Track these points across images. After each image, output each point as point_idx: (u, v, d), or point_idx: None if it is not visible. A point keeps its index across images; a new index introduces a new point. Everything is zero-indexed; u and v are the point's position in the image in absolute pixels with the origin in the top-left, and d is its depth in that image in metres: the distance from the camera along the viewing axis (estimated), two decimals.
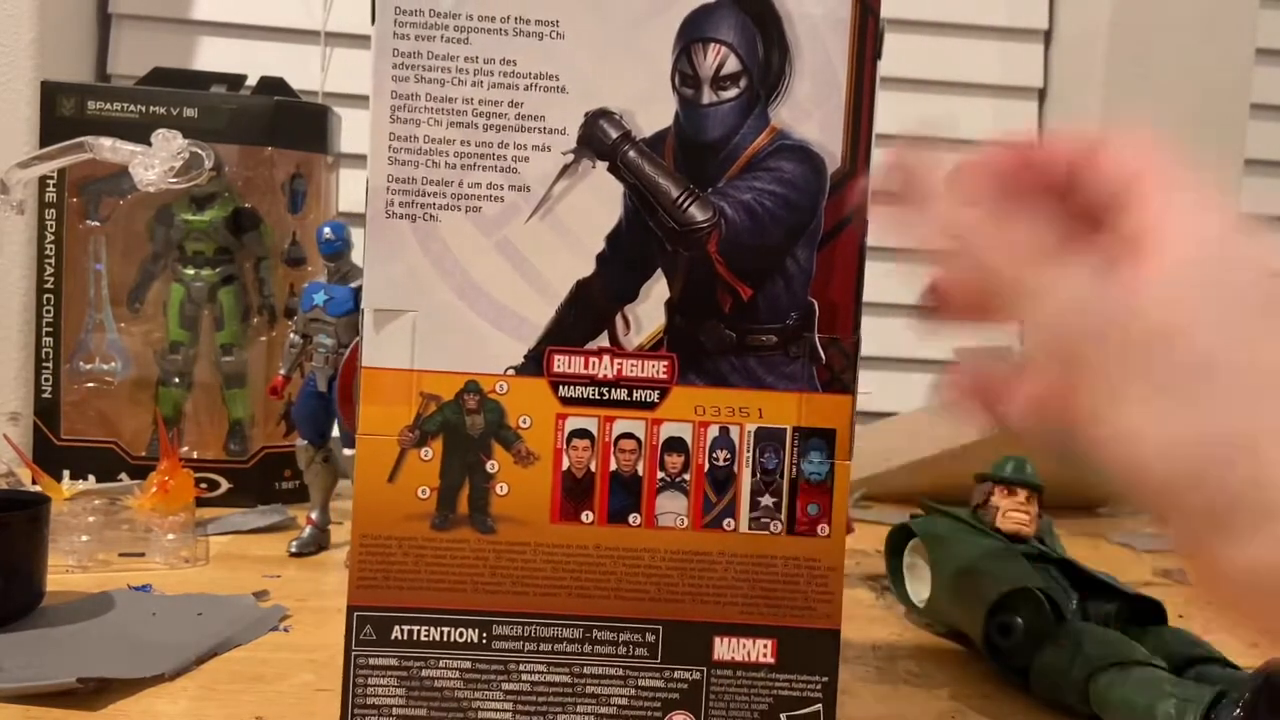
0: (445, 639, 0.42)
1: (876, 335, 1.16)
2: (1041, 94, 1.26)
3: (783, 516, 0.42)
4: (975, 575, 0.57)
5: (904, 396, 1.08)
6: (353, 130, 0.92)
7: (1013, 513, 0.61)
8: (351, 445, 0.70)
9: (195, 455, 0.86)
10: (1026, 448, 0.75)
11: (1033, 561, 0.58)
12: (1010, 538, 0.60)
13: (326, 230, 0.73)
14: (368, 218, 0.41)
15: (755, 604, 0.42)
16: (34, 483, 0.78)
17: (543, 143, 0.41)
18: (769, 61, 0.42)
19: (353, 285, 0.73)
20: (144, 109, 0.83)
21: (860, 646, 0.60)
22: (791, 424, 0.42)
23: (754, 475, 0.42)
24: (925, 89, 1.22)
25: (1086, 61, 1.20)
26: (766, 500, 0.42)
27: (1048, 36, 1.26)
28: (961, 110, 1.24)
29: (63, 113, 0.84)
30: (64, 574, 0.64)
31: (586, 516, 0.42)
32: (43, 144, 0.80)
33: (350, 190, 0.92)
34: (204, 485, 0.83)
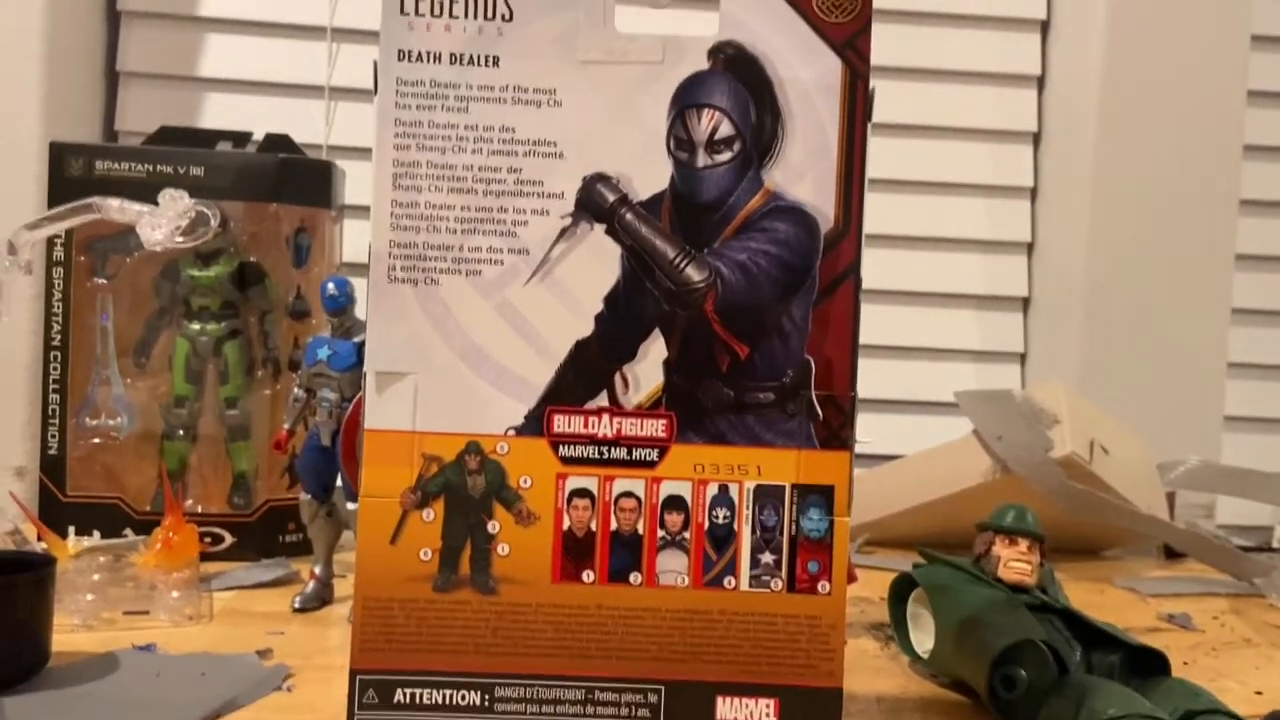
0: (447, 701, 0.42)
1: (878, 378, 1.17)
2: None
3: (783, 574, 0.43)
4: (978, 627, 0.57)
5: (906, 439, 1.08)
6: (356, 182, 0.93)
7: (1014, 563, 0.61)
8: (355, 499, 0.70)
9: (199, 509, 0.86)
10: (1027, 494, 0.75)
11: (1035, 612, 0.57)
12: (1012, 588, 0.60)
13: (330, 286, 0.73)
14: (370, 282, 0.42)
15: (757, 663, 0.42)
16: (39, 539, 0.78)
17: (541, 207, 0.42)
18: (762, 125, 0.43)
19: (356, 340, 0.74)
20: (151, 168, 0.85)
21: (865, 699, 0.60)
22: (790, 481, 0.43)
23: (754, 533, 0.43)
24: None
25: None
26: (766, 558, 0.43)
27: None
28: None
29: (71, 173, 0.85)
30: (69, 633, 0.64)
31: (587, 576, 0.42)
32: (51, 203, 0.81)
33: (352, 240, 0.93)
34: (208, 539, 0.83)
